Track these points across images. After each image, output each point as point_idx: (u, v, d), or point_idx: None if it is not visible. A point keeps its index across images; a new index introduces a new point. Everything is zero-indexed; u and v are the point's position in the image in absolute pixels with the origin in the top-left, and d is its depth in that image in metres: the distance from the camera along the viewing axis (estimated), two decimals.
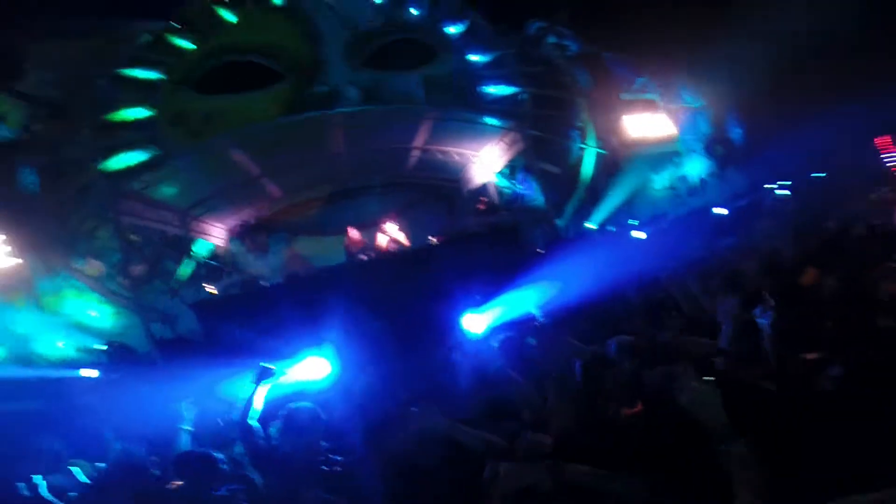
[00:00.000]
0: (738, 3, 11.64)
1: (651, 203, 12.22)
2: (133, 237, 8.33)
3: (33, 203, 8.73)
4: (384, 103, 9.72)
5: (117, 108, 9.94)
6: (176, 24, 10.83)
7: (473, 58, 11.78)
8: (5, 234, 8.63)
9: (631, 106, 12.28)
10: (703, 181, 13.05)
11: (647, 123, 12.67)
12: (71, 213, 9.39)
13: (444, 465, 2.11)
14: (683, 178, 13.04)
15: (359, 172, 9.64)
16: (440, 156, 9.58)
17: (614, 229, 10.37)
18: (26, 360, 9.22)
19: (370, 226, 8.79)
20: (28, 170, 8.76)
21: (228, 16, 10.98)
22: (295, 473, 2.59)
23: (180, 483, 2.71)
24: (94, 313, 9.68)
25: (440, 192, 11.05)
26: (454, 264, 6.81)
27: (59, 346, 9.49)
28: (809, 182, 12.34)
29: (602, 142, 11.59)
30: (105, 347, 8.37)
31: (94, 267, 9.37)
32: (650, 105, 12.87)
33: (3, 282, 9.36)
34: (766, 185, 12.03)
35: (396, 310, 5.96)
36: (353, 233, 8.40)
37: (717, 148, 13.39)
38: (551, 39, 12.29)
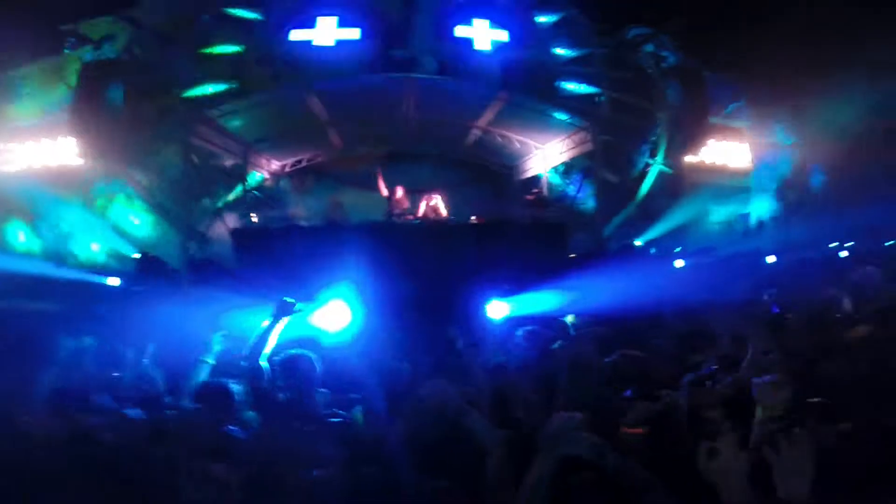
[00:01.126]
0: (866, 48, 10.69)
1: (702, 234, 11.70)
2: (194, 158, 8.63)
3: (114, 115, 9.16)
4: (458, 77, 9.64)
5: (213, 42, 10.31)
6: None
7: (559, 50, 11.46)
8: (80, 137, 9.20)
9: (715, 130, 11.55)
10: (762, 223, 12.36)
11: (725, 151, 12.02)
12: (146, 129, 9.83)
13: (446, 442, 2.09)
14: (744, 217, 12.40)
15: (418, 139, 9.67)
16: (500, 139, 9.45)
17: (657, 251, 10.04)
18: (59, 258, 9.86)
19: (416, 192, 8.80)
20: (116, 86, 9.24)
21: None
22: (291, 419, 2.56)
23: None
24: (136, 221, 10.23)
25: (492, 174, 11.02)
26: (491, 248, 6.75)
27: (94, 248, 10.08)
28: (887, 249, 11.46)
29: (671, 161, 11.11)
30: (137, 256, 8.76)
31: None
32: (736, 132, 12.14)
33: (63, 179, 10.00)
34: (831, 244, 11.27)
35: (426, 279, 5.96)
36: (400, 192, 8.40)
37: (790, 192, 12.59)
38: (649, 48, 11.70)
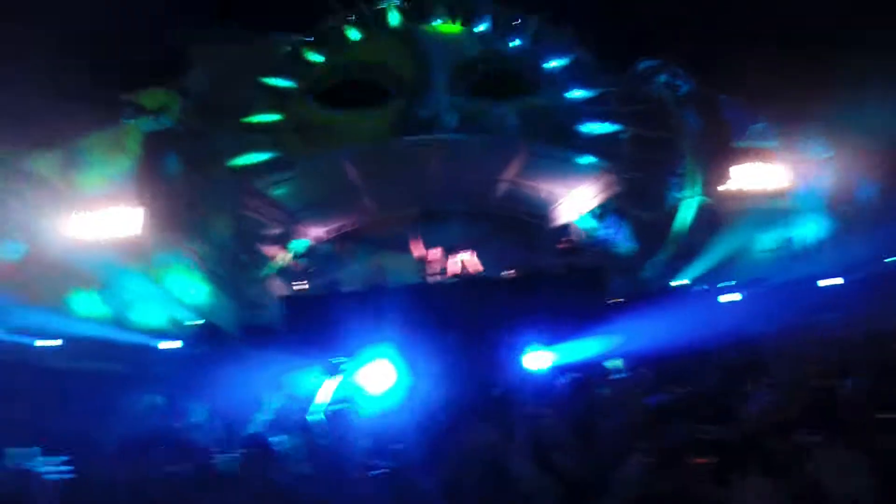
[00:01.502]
0: (878, 45, 10.29)
1: (751, 265, 11.19)
2: (243, 226, 9.16)
3: (173, 186, 9.85)
4: (480, 132, 10.00)
5: (253, 111, 11.21)
6: (310, 38, 12.12)
7: (575, 93, 11.75)
8: (143, 207, 9.80)
9: (744, 154, 11.23)
10: (812, 245, 11.69)
11: (759, 174, 11.52)
12: (200, 200, 10.62)
13: (489, 487, 2.14)
14: (792, 240, 11.81)
15: (447, 196, 9.96)
16: (528, 190, 9.62)
17: (705, 288, 9.68)
18: (122, 324, 10.29)
19: (450, 249, 9.03)
20: (175, 157, 9.95)
21: (354, 34, 12.15)
22: (340, 470, 2.68)
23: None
24: (192, 291, 10.80)
25: (522, 226, 11.01)
26: (526, 300, 6.80)
27: (154, 316, 10.64)
28: None
29: (705, 191, 10.85)
30: (197, 322, 9.29)
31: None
32: (766, 154, 11.66)
33: (126, 249, 10.73)
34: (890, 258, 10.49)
35: (464, 334, 6.05)
36: (434, 252, 8.65)
37: (839, 208, 11.87)
38: (662, 78, 11.79)
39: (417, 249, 8.75)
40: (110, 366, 7.50)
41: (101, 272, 10.43)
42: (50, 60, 9.73)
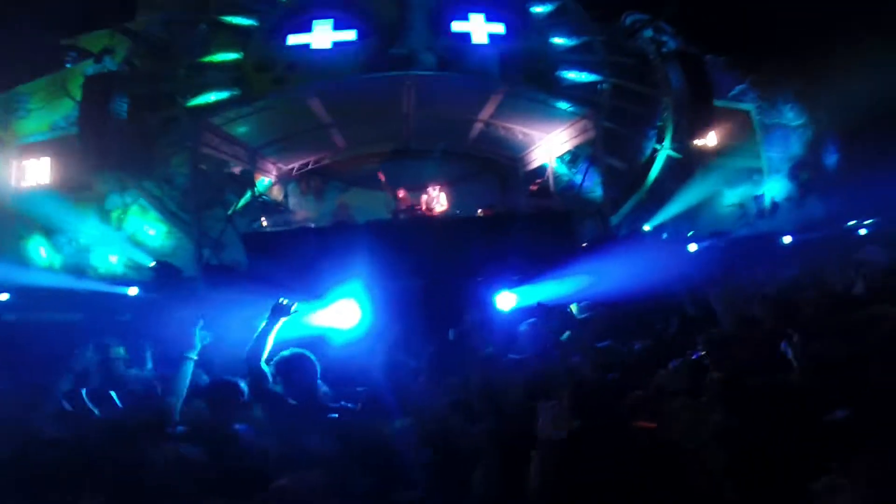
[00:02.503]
0: (866, 21, 10.36)
1: (714, 218, 11.53)
2: (203, 166, 8.78)
3: (120, 128, 9.36)
4: (458, 72, 9.64)
5: (211, 51, 10.47)
6: None
7: (558, 40, 11.38)
8: (89, 151, 9.40)
9: (721, 113, 11.37)
10: (776, 204, 12.13)
11: (734, 134, 11.81)
12: (154, 140, 10.00)
13: (446, 433, 2.11)
14: (757, 199, 12.19)
15: (421, 136, 9.66)
16: (503, 132, 9.43)
17: (667, 236, 9.92)
18: (79, 270, 10.07)
19: (421, 188, 8.83)
20: (120, 98, 9.46)
21: None
22: (295, 417, 2.59)
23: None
24: (150, 231, 10.43)
25: (496, 167, 10.98)
26: (497, 240, 6.76)
27: (112, 260, 10.31)
28: None
29: (679, 146, 10.93)
30: (153, 265, 8.95)
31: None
32: (743, 116, 11.97)
33: (79, 193, 10.23)
34: (848, 222, 11.00)
35: (434, 274, 5.99)
36: (403, 192, 8.48)
37: (804, 172, 12.32)
38: (648, 33, 11.55)
39: (386, 186, 8.51)
40: (65, 316, 7.21)
41: (53, 218, 10.03)
42: None
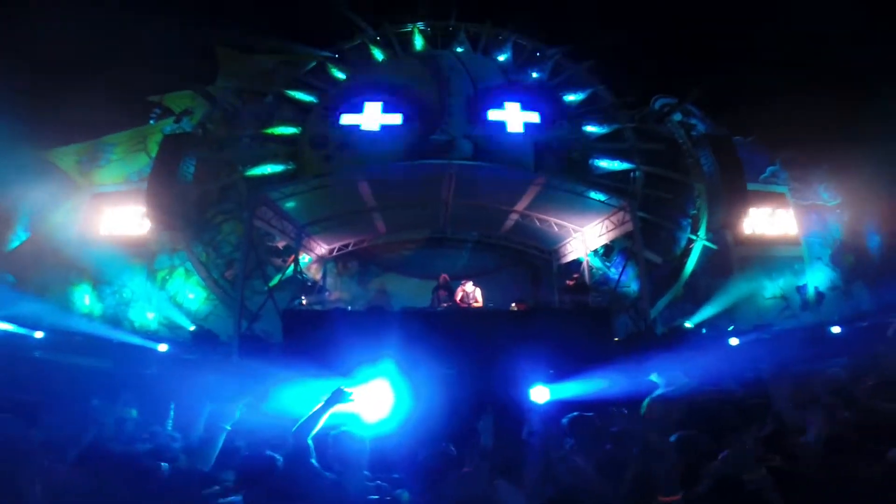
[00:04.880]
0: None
1: (756, 311, 11.11)
2: (251, 237, 9.17)
3: (184, 190, 9.90)
4: (493, 160, 10.04)
5: (274, 123, 11.39)
6: (335, 55, 12.39)
7: (590, 128, 11.89)
8: (152, 207, 9.83)
9: (756, 198, 11.16)
10: (821, 294, 11.62)
11: (770, 220, 11.64)
12: (210, 206, 10.63)
13: None
14: (800, 289, 11.74)
15: (457, 224, 9.94)
16: (538, 223, 9.59)
17: (710, 332, 9.55)
18: (116, 321, 10.35)
19: (454, 278, 8.95)
20: (189, 160, 10.02)
21: (378, 54, 12.43)
22: (336, 498, 2.54)
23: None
24: (190, 295, 10.78)
25: (530, 259, 11.04)
26: (533, 335, 6.68)
27: (149, 316, 10.61)
28: None
29: (715, 235, 10.85)
30: (192, 328, 9.18)
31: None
32: (778, 199, 11.79)
33: (131, 248, 10.73)
34: None
35: (469, 365, 5.91)
36: (445, 279, 8.57)
37: (847, 257, 11.88)
38: (677, 117, 11.94)
39: (444, 286, 8.58)
40: (93, 361, 7.38)
41: (103, 268, 10.49)
42: (82, 56, 9.98)
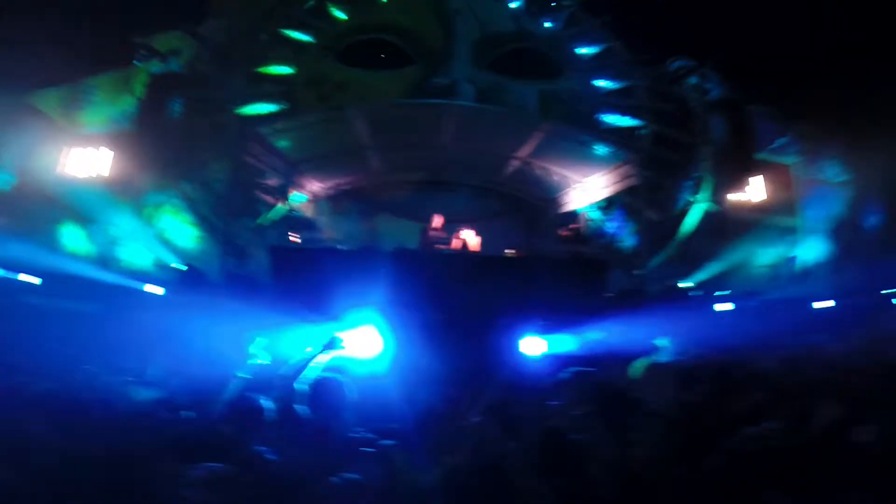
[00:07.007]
0: None
1: (746, 278, 11.16)
2: (242, 174, 8.89)
3: (172, 128, 9.54)
4: (498, 106, 9.64)
5: (268, 62, 10.76)
6: None
7: (600, 82, 11.43)
8: (139, 147, 9.55)
9: (762, 167, 11.09)
10: (811, 267, 11.70)
11: (773, 190, 11.55)
12: (199, 144, 10.24)
13: (485, 487, 1.95)
14: (792, 260, 11.78)
15: (456, 168, 9.66)
16: (539, 172, 9.36)
17: (701, 294, 9.60)
18: (107, 262, 10.19)
19: (450, 222, 8.76)
20: (177, 100, 9.65)
21: None
22: (321, 446, 2.49)
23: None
24: (179, 232, 10.54)
25: (528, 207, 10.92)
26: (526, 283, 6.60)
27: (140, 255, 10.43)
28: None
29: (716, 199, 10.71)
30: (182, 268, 9.00)
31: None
32: (783, 170, 11.67)
33: (118, 187, 10.44)
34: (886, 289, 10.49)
35: (461, 311, 5.84)
36: (437, 221, 8.37)
37: (843, 233, 11.88)
38: (692, 80, 11.48)
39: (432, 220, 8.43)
40: (89, 306, 7.24)
41: (90, 208, 10.23)
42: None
